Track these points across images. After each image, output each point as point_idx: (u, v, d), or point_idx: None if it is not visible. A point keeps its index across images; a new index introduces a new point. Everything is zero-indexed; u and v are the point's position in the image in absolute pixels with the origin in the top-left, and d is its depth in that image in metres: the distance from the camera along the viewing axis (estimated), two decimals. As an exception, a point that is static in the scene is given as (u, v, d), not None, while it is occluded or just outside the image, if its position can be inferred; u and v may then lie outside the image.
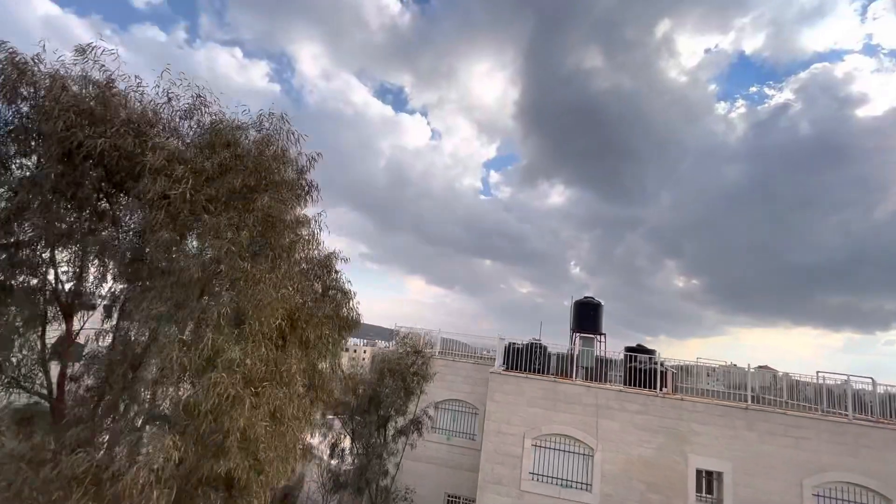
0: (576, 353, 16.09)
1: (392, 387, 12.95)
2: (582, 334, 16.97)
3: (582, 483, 12.26)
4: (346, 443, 13.61)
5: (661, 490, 11.79)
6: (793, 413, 11.74)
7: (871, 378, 11.95)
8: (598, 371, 15.16)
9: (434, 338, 18.09)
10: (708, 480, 11.92)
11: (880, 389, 12.31)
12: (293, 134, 6.82)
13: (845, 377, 11.94)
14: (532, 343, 15.05)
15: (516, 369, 14.30)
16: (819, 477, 11.23)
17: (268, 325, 5.32)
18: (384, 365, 13.21)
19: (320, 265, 7.52)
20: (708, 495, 11.83)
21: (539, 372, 14.09)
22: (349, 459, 13.43)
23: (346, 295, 7.69)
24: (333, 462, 13.29)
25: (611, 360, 16.00)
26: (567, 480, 12.34)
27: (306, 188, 7.09)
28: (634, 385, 13.27)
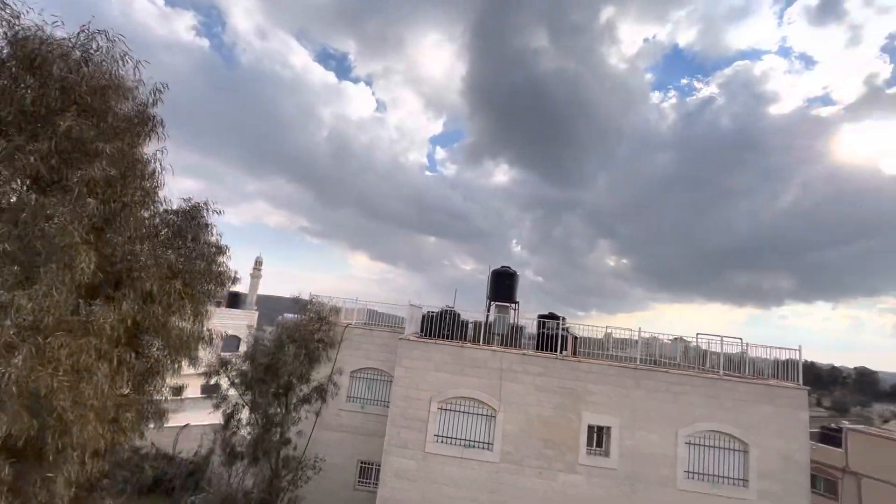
0: (491, 320, 16.46)
1: (293, 354, 12.44)
2: (498, 303, 17.35)
3: (484, 443, 12.65)
4: (245, 413, 13.02)
5: (556, 446, 12.46)
6: (674, 372, 12.78)
7: (741, 338, 13.29)
8: (512, 337, 15.62)
9: (351, 307, 17.72)
10: (599, 435, 12.74)
11: (752, 352, 13.72)
12: (129, 59, 5.88)
13: (718, 338, 13.17)
14: (445, 310, 15.11)
15: (431, 336, 14.33)
16: (692, 427, 12.40)
17: (76, 271, 4.58)
18: (284, 332, 12.63)
19: (185, 216, 6.75)
20: (598, 448, 12.67)
21: (452, 339, 14.21)
22: (247, 430, 12.87)
23: (220, 250, 7.02)
24: (228, 433, 12.66)
25: (522, 328, 16.56)
26: (470, 441, 12.67)
27: (147, 123, 6.19)
28: (544, 349, 13.82)
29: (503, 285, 17.19)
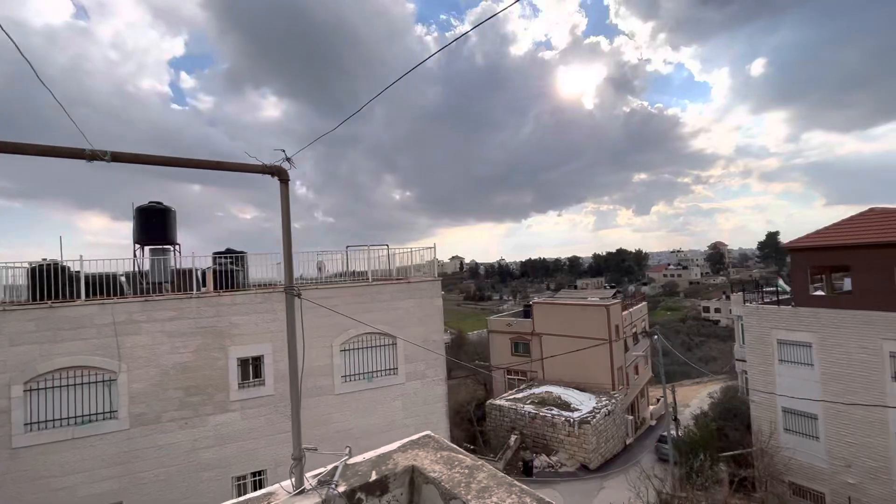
0: (146, 268, 13.68)
1: None
2: (151, 246, 14.53)
3: (104, 413, 10.57)
4: None
5: (202, 390, 11.34)
6: (322, 286, 12.89)
7: (387, 244, 14.26)
8: (180, 283, 13.30)
9: None
10: (255, 366, 12.15)
11: (406, 259, 14.96)
12: None
13: (366, 246, 13.82)
14: (43, 265, 11.58)
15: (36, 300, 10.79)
16: (346, 335, 12.94)
17: None
18: None
19: None
20: (256, 379, 12.12)
21: (59, 299, 11.02)
22: None
23: None
24: None
25: (189, 271, 14.36)
26: (84, 416, 10.40)
27: None
28: (223, 288, 12.18)
29: (154, 225, 14.37)
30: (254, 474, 11.82)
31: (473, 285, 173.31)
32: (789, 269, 22.44)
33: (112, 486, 10.44)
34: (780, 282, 23.32)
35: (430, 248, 14.40)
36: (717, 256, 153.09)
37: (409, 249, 14.49)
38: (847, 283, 22.16)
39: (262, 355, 11.96)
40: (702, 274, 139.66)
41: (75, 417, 10.28)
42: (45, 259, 11.46)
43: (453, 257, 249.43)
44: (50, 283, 10.92)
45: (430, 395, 13.78)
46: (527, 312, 39.17)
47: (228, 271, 13.18)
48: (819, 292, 24.01)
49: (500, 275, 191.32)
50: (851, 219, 20.59)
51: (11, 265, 11.36)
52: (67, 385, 10.29)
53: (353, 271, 14.89)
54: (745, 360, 24.28)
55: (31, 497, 9.78)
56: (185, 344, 11.22)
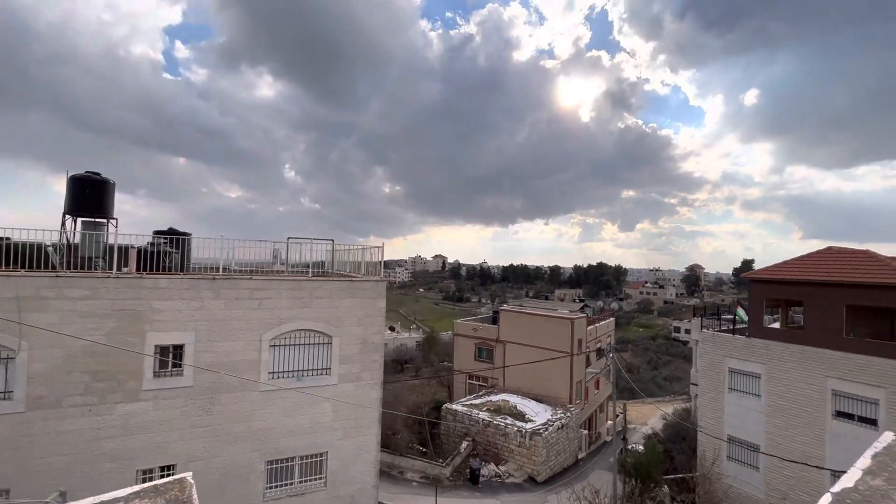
0: (75, 241, 12.89)
1: None
2: (83, 218, 13.75)
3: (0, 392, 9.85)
4: None
5: (112, 376, 10.67)
6: (258, 277, 12.31)
7: (332, 239, 13.75)
8: (113, 261, 12.54)
9: None
10: (175, 354, 11.51)
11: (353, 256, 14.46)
12: None
13: (309, 240, 13.29)
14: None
15: None
16: (277, 329, 12.38)
17: None
18: None
19: None
20: (174, 368, 11.49)
21: None
22: None
23: None
24: None
25: (127, 248, 13.60)
26: (-27, 395, 9.67)
27: None
28: (155, 270, 11.53)
29: (87, 196, 13.58)
30: (163, 469, 11.19)
31: (454, 285, 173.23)
32: (748, 298, 22.60)
33: (0, 471, 9.73)
34: (740, 310, 23.44)
35: (378, 247, 13.93)
36: (693, 278, 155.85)
37: (356, 247, 14.00)
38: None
39: (184, 344, 11.34)
40: (677, 294, 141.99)
41: (-37, 396, 9.55)
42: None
43: (436, 256, 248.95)
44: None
45: (363, 399, 13.31)
46: (495, 318, 38.97)
47: (160, 252, 12.51)
48: (776, 324, 24.27)
49: (482, 277, 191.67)
50: (810, 255, 20.78)
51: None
52: (-42, 360, 9.55)
53: (303, 264, 14.35)
54: (698, 385, 24.44)
55: None
56: (98, 326, 10.54)
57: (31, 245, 11.45)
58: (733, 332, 22.09)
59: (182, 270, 13.18)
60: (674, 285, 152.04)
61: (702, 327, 23.89)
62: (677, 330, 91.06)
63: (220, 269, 12.08)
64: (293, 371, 12.55)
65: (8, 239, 11.31)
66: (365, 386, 13.38)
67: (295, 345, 12.60)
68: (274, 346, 12.32)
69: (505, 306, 42.23)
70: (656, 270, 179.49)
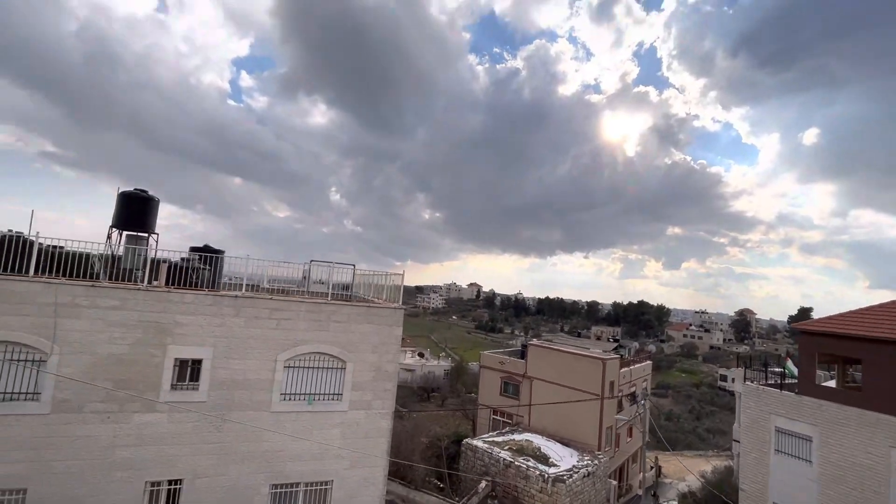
0: (119, 253, 13.74)
1: None
2: (128, 232, 14.64)
3: (28, 393, 10.35)
4: None
5: (132, 385, 11.02)
6: (278, 298, 12.52)
7: (353, 265, 13.86)
8: (151, 273, 13.26)
9: None
10: (193, 368, 11.77)
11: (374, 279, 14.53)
12: None
13: (331, 263, 13.45)
14: (11, 235, 11.70)
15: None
16: (293, 351, 12.46)
17: None
18: None
19: None
20: (192, 382, 11.73)
21: (25, 272, 11.07)
22: None
23: None
24: None
25: (163, 261, 14.33)
26: (5, 394, 10.20)
27: None
28: (181, 285, 12.11)
29: (133, 211, 14.51)
30: (170, 482, 11.29)
31: (487, 315, 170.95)
32: (799, 351, 20.75)
33: (20, 471, 10.12)
34: (789, 363, 21.52)
35: (399, 274, 13.92)
36: (743, 324, 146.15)
37: (377, 273, 14.06)
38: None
39: (202, 359, 11.60)
40: (724, 340, 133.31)
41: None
42: (10, 230, 11.58)
43: (471, 284, 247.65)
44: (9, 254, 10.97)
45: (373, 429, 13.03)
46: (523, 353, 37.80)
47: (190, 268, 13.03)
48: (831, 382, 22.06)
49: (516, 308, 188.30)
50: (873, 308, 18.92)
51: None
52: (-4, 360, 10.17)
53: (338, 285, 14.55)
54: (740, 442, 22.37)
55: (-66, 469, 9.57)
56: (124, 336, 10.99)
57: (79, 255, 12.28)
58: (781, 386, 20.22)
59: (213, 287, 13.65)
60: (721, 330, 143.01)
61: (745, 378, 22.07)
62: (724, 378, 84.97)
63: (243, 288, 12.40)
64: (305, 394, 12.51)
65: (61, 248, 12.19)
66: (376, 415, 13.12)
67: (309, 367, 12.61)
68: (288, 367, 12.38)
69: (534, 341, 40.97)
70: (702, 313, 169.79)
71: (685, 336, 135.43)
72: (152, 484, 11.13)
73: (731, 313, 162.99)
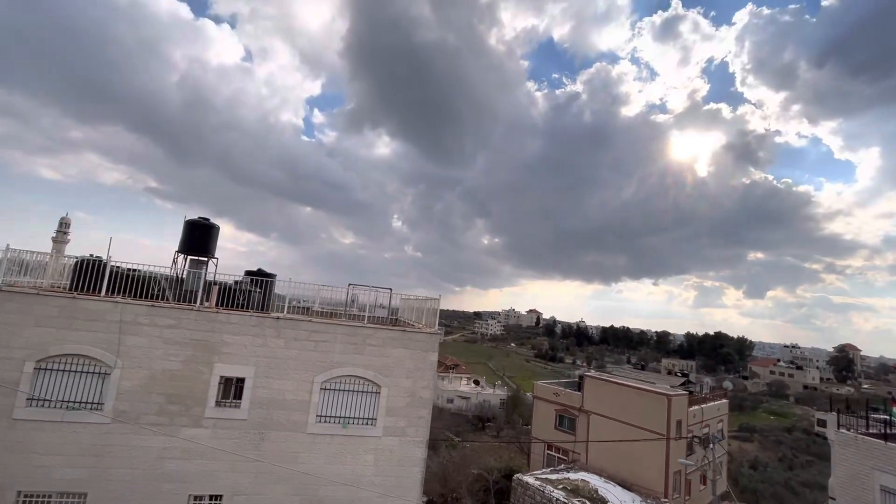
0: (184, 275, 15.00)
1: None
2: (191, 256, 15.94)
3: (93, 402, 11.33)
4: None
5: (182, 400, 11.71)
6: (317, 321, 12.85)
7: (390, 289, 13.94)
8: (206, 294, 14.38)
9: None
10: (237, 387, 12.31)
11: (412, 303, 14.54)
12: None
13: (370, 287, 13.63)
14: (90, 259, 13.17)
15: (78, 290, 12.32)
16: (329, 373, 12.66)
17: None
18: None
19: None
20: (236, 399, 12.25)
21: (98, 293, 12.40)
22: None
23: None
24: None
25: (214, 283, 15.40)
26: (74, 402, 11.24)
27: None
28: (230, 306, 13.00)
29: (196, 237, 15.81)
30: (212, 497, 11.70)
31: (547, 343, 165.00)
32: (907, 396, 17.64)
33: (82, 476, 11.00)
34: (896, 410, 18.37)
35: (436, 298, 13.80)
36: (844, 361, 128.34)
37: (416, 297, 14.05)
38: None
39: (245, 377, 12.11)
40: (822, 379, 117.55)
41: (67, 402, 11.17)
42: (91, 255, 13.05)
43: (531, 310, 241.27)
44: (88, 276, 12.34)
45: (406, 457, 12.75)
46: (580, 385, 35.73)
47: (240, 290, 13.83)
48: (954, 434, 18.41)
49: (578, 337, 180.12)
50: None
51: (67, 258, 13.16)
52: (68, 370, 11.29)
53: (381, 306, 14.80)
54: (835, 500, 19.15)
55: (14, 468, 10.66)
56: (178, 353, 11.79)
57: (148, 276, 13.51)
58: (886, 437, 17.26)
59: (264, 309, 14.38)
60: (817, 367, 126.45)
61: (839, 425, 19.10)
62: (821, 423, 74.41)
63: (285, 309, 12.90)
64: (340, 417, 12.58)
65: (136, 271, 13.51)
66: (410, 442, 12.86)
67: (344, 390, 12.72)
68: (325, 388, 12.56)
69: (591, 372, 38.67)
70: (794, 347, 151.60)
71: (772, 373, 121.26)
72: (196, 498, 11.60)
73: (830, 348, 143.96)
